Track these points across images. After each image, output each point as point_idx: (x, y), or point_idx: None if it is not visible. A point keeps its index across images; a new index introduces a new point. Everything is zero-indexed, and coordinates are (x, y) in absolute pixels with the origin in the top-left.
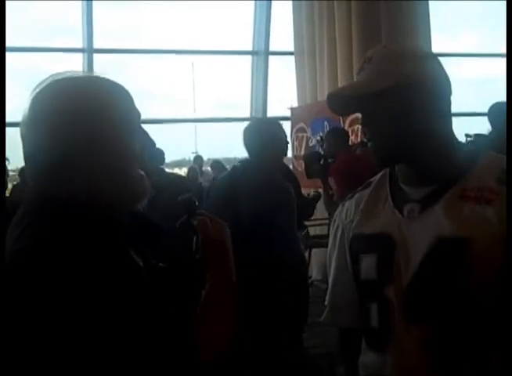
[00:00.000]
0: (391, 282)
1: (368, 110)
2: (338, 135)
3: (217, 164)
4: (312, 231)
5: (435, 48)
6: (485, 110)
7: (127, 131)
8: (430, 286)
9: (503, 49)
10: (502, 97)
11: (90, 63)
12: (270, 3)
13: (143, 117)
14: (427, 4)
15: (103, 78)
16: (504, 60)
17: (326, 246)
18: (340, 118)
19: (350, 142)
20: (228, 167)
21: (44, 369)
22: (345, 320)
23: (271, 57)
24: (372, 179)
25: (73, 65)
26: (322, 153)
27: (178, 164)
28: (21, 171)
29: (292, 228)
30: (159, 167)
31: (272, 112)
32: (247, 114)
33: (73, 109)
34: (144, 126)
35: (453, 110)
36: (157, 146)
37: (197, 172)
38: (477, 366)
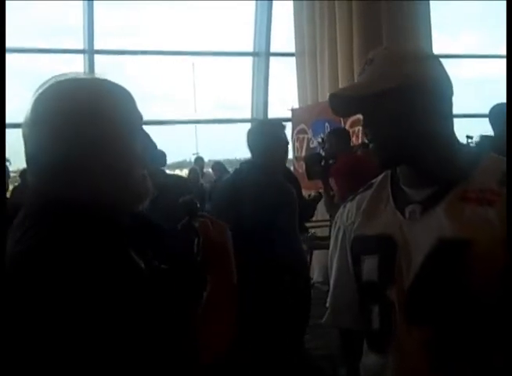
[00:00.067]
0: (392, 283)
1: (369, 111)
2: (340, 136)
3: (218, 166)
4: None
5: (435, 48)
6: (486, 111)
7: (129, 133)
8: (431, 287)
9: (504, 50)
10: (504, 98)
11: (91, 64)
12: (271, 3)
13: (144, 118)
14: (428, 4)
15: (105, 80)
16: (504, 61)
17: (327, 247)
18: (341, 120)
19: (351, 144)
20: (230, 168)
21: (45, 370)
22: (346, 322)
23: (272, 58)
24: (373, 181)
25: (74, 65)
26: (323, 154)
27: (179, 165)
28: (22, 173)
29: (294, 229)
30: (160, 168)
31: (272, 113)
32: (248, 115)
33: (75, 110)
34: (145, 127)
35: (454, 111)
36: (158, 147)
37: (198, 174)
38: (478, 368)
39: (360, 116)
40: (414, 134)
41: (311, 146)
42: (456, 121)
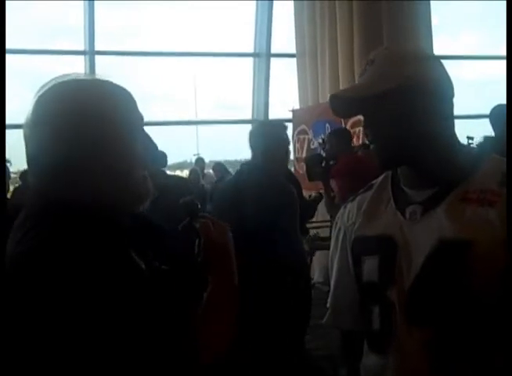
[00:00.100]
0: (393, 284)
1: (370, 112)
2: (341, 136)
3: (219, 167)
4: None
5: (436, 48)
6: (487, 112)
7: (129, 134)
8: (432, 288)
9: (504, 50)
10: (504, 99)
11: (92, 65)
12: (271, 4)
13: (145, 119)
14: (429, 4)
15: (106, 81)
16: (505, 62)
17: (328, 248)
18: (342, 120)
19: (352, 144)
20: (231, 169)
21: (46, 370)
22: (347, 322)
23: (272, 59)
24: (374, 181)
25: (75, 66)
26: (324, 155)
27: (180, 166)
28: (22, 174)
29: (295, 230)
30: (161, 169)
31: (273, 114)
32: (249, 116)
33: (76, 111)
34: (146, 128)
35: (455, 112)
36: (159, 148)
37: (199, 174)
38: (479, 369)
39: (361, 117)
40: (415, 135)
41: (312, 146)
42: (456, 121)
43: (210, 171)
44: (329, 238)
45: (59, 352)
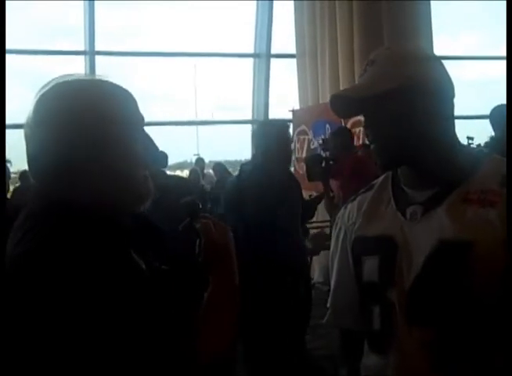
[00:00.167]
0: (393, 284)
1: (370, 112)
2: (344, 136)
3: (219, 167)
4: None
5: (436, 48)
6: (487, 112)
7: (130, 134)
8: (432, 289)
9: (504, 50)
10: (504, 99)
11: (92, 65)
12: (272, 4)
13: (145, 119)
14: (429, 4)
15: (107, 81)
16: (505, 62)
17: (328, 248)
18: (342, 121)
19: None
20: (231, 169)
21: (47, 370)
22: (347, 322)
23: (272, 59)
24: (374, 182)
25: (75, 66)
26: (324, 155)
27: (180, 166)
28: (22, 174)
29: (296, 229)
30: (161, 169)
31: (273, 114)
32: (249, 117)
33: (77, 112)
34: (146, 128)
35: (455, 112)
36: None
37: (199, 175)
38: (479, 369)
39: (361, 117)
40: (415, 135)
41: (312, 147)
42: (456, 121)
43: (210, 171)
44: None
45: (58, 352)
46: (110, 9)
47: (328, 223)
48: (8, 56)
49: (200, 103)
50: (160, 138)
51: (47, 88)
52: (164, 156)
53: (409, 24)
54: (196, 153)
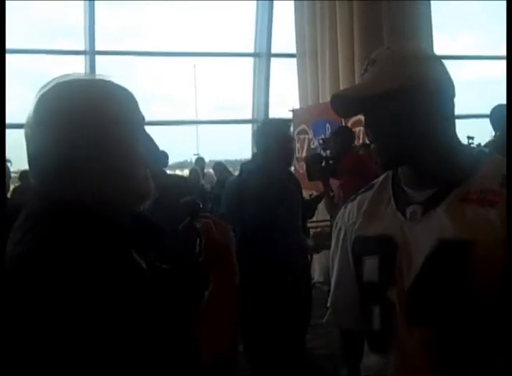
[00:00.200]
0: (393, 284)
1: (371, 111)
2: (344, 135)
3: (219, 166)
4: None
5: (436, 48)
6: (487, 111)
7: (131, 134)
8: (432, 288)
9: (503, 50)
10: (504, 99)
11: (92, 65)
12: (272, 4)
13: (145, 119)
14: (429, 4)
15: (108, 81)
16: (505, 62)
17: (328, 248)
18: (342, 120)
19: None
20: (231, 169)
21: (47, 371)
22: (347, 322)
23: (272, 59)
24: (374, 181)
25: (75, 66)
26: (324, 154)
27: (180, 165)
28: (22, 174)
29: (296, 229)
30: (161, 169)
31: (273, 114)
32: (249, 116)
33: (77, 111)
34: (146, 128)
35: (456, 112)
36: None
37: (199, 174)
38: (479, 368)
39: (361, 116)
40: (416, 134)
41: (312, 146)
42: (457, 121)
43: (211, 170)
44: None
45: (59, 352)
46: (110, 9)
47: (328, 223)
48: (8, 56)
49: (200, 103)
50: (160, 137)
51: (47, 88)
52: (165, 155)
53: (409, 24)
54: (196, 152)
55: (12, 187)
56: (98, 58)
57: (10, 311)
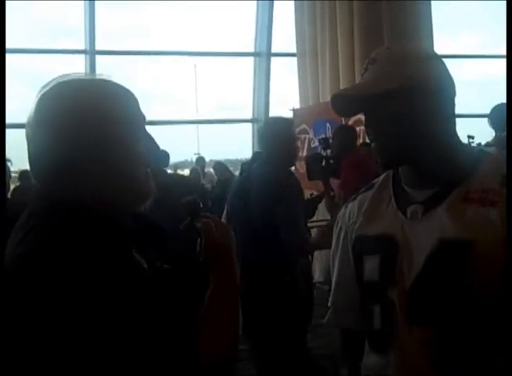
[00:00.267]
0: (393, 284)
1: (371, 110)
2: (345, 135)
3: (219, 166)
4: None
5: (436, 48)
6: (487, 111)
7: (132, 134)
8: (433, 288)
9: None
10: (504, 98)
11: (92, 65)
12: (272, 3)
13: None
14: (430, 4)
15: (109, 81)
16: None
17: (330, 247)
18: (343, 119)
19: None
20: (231, 168)
21: (48, 370)
22: (348, 322)
23: (273, 59)
24: (375, 181)
25: (75, 66)
26: (325, 154)
27: (180, 165)
28: (22, 174)
29: (297, 228)
30: (162, 169)
31: (274, 113)
32: (249, 116)
33: (78, 111)
34: (147, 128)
35: (456, 111)
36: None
37: (199, 174)
38: (479, 368)
39: (362, 116)
40: (416, 134)
41: (313, 146)
42: (457, 121)
43: (211, 170)
44: None
45: (60, 352)
46: (111, 9)
47: (328, 222)
48: (8, 56)
49: (200, 102)
50: (161, 137)
51: (48, 88)
52: (166, 155)
53: (409, 24)
54: (197, 152)
55: (12, 187)
56: (98, 58)
57: (11, 311)
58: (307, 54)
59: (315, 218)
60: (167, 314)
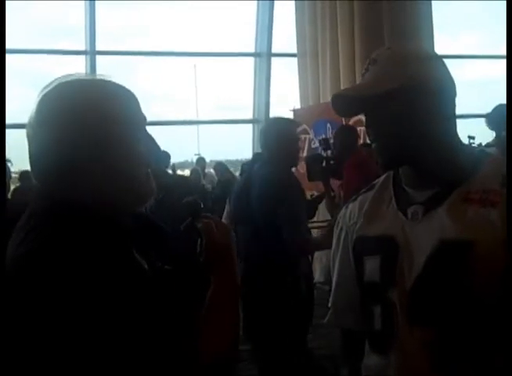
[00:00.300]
0: (394, 284)
1: (372, 111)
2: (346, 135)
3: (219, 166)
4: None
5: (436, 48)
6: (487, 111)
7: (133, 134)
8: (433, 288)
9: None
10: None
11: (92, 65)
12: (272, 3)
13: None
14: (430, 4)
15: (110, 81)
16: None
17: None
18: (343, 120)
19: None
20: (232, 169)
21: (49, 370)
22: (348, 322)
23: (273, 59)
24: (375, 181)
25: (76, 66)
26: (325, 154)
27: (181, 166)
28: (22, 175)
29: (297, 228)
30: (163, 169)
31: (274, 114)
32: (250, 116)
33: (79, 112)
34: (147, 128)
35: (456, 111)
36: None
37: (200, 174)
38: (480, 368)
39: (362, 116)
40: (417, 134)
41: (313, 146)
42: (458, 121)
43: (211, 170)
44: None
45: (60, 352)
46: (111, 9)
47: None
48: (8, 56)
49: (200, 103)
50: (161, 137)
51: (49, 88)
52: (167, 155)
53: (409, 24)
54: (197, 152)
55: (12, 187)
56: (98, 58)
57: (12, 310)
58: (307, 54)
59: (315, 219)
60: (167, 314)
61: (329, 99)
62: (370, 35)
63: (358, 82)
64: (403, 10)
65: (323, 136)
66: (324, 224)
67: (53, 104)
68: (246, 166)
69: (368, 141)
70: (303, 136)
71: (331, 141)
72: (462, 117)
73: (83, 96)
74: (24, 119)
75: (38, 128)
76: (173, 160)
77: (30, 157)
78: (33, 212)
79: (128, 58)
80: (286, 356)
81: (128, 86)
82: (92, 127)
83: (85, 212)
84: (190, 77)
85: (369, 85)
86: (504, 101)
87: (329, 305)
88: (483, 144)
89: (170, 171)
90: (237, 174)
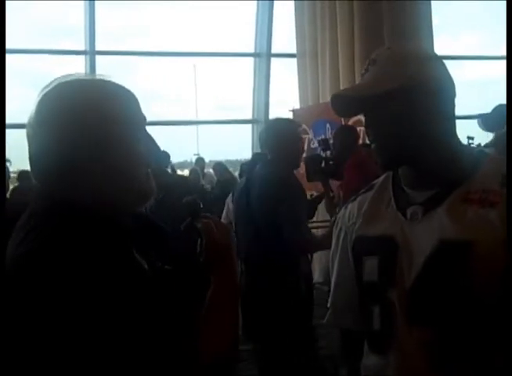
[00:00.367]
0: (393, 284)
1: (371, 111)
2: (346, 135)
3: (219, 166)
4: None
5: (436, 48)
6: (488, 111)
7: (133, 134)
8: (432, 289)
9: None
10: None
11: (92, 65)
12: (272, 4)
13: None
14: (430, 4)
15: (109, 81)
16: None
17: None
18: (343, 120)
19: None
20: (231, 169)
21: (49, 370)
22: (347, 322)
23: (273, 59)
24: (375, 182)
25: (75, 66)
26: (324, 155)
27: (180, 166)
28: (21, 174)
29: (298, 228)
30: (163, 169)
31: (273, 114)
32: (249, 116)
33: (79, 111)
34: (147, 128)
35: (456, 112)
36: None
37: (199, 174)
38: (479, 369)
39: (362, 116)
40: (416, 135)
41: (312, 146)
42: (457, 122)
43: (211, 170)
44: None
45: (60, 352)
46: (111, 9)
47: (328, 223)
48: (8, 56)
49: (200, 103)
50: (161, 137)
51: (49, 88)
52: (167, 155)
53: (409, 24)
54: (197, 152)
55: (11, 187)
56: (98, 58)
57: (12, 310)
58: (307, 54)
59: (314, 219)
60: (167, 314)
61: (328, 99)
62: (370, 35)
63: (357, 82)
64: (403, 10)
65: (323, 136)
66: (323, 224)
67: (53, 104)
68: (245, 166)
69: (368, 141)
70: (302, 136)
71: (331, 141)
72: (462, 117)
73: (83, 96)
74: (24, 119)
75: (38, 128)
76: (172, 160)
77: (30, 157)
78: (33, 212)
79: (127, 58)
80: (288, 356)
81: (127, 86)
82: (92, 127)
83: (85, 212)
84: (190, 77)
85: (368, 85)
86: (504, 101)
87: (329, 305)
88: (482, 145)
89: (169, 171)
90: (236, 174)
